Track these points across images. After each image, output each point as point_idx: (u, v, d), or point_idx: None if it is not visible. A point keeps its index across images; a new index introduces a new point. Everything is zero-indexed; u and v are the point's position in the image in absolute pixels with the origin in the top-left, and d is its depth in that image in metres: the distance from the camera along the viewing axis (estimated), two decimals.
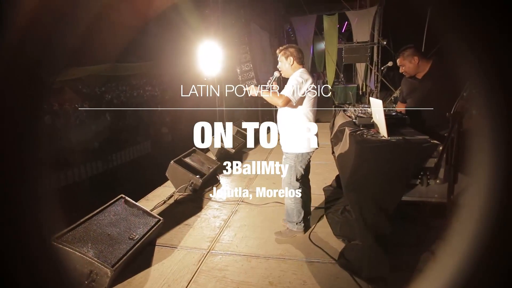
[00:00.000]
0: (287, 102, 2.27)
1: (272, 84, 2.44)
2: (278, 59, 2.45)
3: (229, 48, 7.28)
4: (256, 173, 4.24)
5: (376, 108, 1.98)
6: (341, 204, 3.06)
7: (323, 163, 4.41)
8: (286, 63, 2.41)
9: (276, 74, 2.49)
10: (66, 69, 10.12)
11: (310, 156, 2.51)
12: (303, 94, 2.30)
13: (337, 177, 3.61)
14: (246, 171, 4.17)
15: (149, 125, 8.97)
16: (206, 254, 2.43)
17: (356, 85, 12.56)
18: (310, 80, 2.33)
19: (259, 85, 2.49)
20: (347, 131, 2.18)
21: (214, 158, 4.51)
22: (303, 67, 2.43)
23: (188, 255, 2.42)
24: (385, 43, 8.00)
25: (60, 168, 5.92)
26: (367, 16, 9.59)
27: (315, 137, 2.42)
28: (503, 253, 0.69)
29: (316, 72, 15.01)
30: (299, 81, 2.28)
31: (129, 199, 2.68)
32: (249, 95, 2.49)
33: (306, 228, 2.64)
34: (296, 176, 2.49)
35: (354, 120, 2.33)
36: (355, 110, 2.63)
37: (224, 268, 2.23)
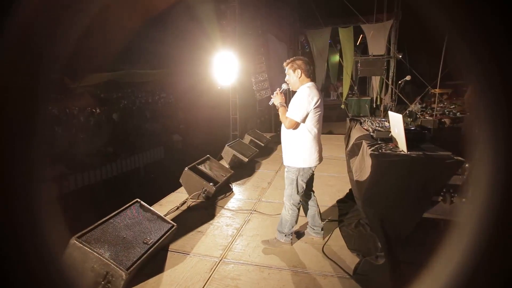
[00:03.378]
0: (293, 125, 2.29)
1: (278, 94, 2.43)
2: (286, 72, 2.41)
3: (245, 58, 7.39)
4: (268, 183, 4.26)
5: (395, 122, 1.97)
6: (355, 217, 3.01)
7: (337, 175, 4.37)
8: (293, 76, 2.36)
9: (284, 86, 2.48)
10: (87, 75, 10.48)
11: (313, 171, 2.47)
12: (308, 111, 2.25)
13: (351, 190, 3.57)
14: (259, 181, 4.19)
15: (163, 132, 9.12)
16: (219, 262, 2.42)
17: (370, 98, 12.47)
18: (317, 97, 2.26)
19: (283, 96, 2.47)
20: (365, 144, 2.17)
21: (227, 166, 4.54)
22: (311, 80, 2.37)
23: (201, 262, 2.43)
24: (400, 56, 7.95)
25: (78, 170, 6.06)
26: (383, 30, 9.60)
27: (318, 153, 2.38)
28: (503, 254, 0.68)
29: (331, 84, 15.00)
30: (304, 100, 2.24)
31: (144, 203, 2.72)
32: (270, 103, 2.51)
33: (294, 240, 2.63)
34: (297, 190, 2.45)
35: (371, 134, 2.32)
36: (372, 123, 2.61)
37: (237, 277, 2.22)
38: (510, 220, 0.69)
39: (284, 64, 2.41)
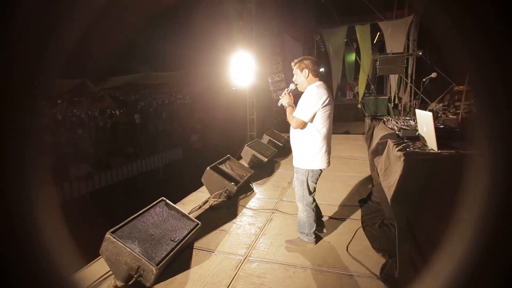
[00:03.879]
0: (300, 125, 2.26)
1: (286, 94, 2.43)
2: (294, 71, 2.38)
3: (261, 59, 7.41)
4: (288, 183, 4.26)
5: (424, 120, 1.94)
6: (378, 217, 2.98)
7: (357, 175, 4.33)
8: (301, 76, 2.33)
9: (292, 86, 2.45)
10: (108, 78, 10.80)
11: (321, 171, 2.45)
12: (316, 111, 2.21)
13: (372, 189, 3.53)
14: (279, 180, 4.21)
15: (181, 132, 9.27)
16: (243, 261, 2.45)
17: (387, 97, 12.22)
18: (325, 96, 2.22)
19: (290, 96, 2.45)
20: (390, 143, 2.14)
21: (246, 166, 4.57)
22: (319, 79, 2.34)
23: (226, 260, 2.46)
24: (420, 53, 7.76)
25: (101, 169, 6.27)
26: (402, 26, 9.38)
27: (327, 154, 2.35)
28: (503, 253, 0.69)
29: (347, 84, 14.83)
30: (312, 99, 2.21)
31: (169, 202, 2.79)
32: (279, 104, 2.49)
33: (318, 239, 2.63)
34: (309, 190, 2.45)
35: (397, 132, 2.29)
36: (396, 122, 2.57)
37: (262, 275, 2.25)
38: (510, 219, 0.70)
39: (292, 64, 2.39)
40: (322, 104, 2.20)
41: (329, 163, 2.40)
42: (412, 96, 9.50)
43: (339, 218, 3.12)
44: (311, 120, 2.24)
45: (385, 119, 2.92)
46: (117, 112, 12.07)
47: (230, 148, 7.97)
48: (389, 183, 1.93)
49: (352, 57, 14.55)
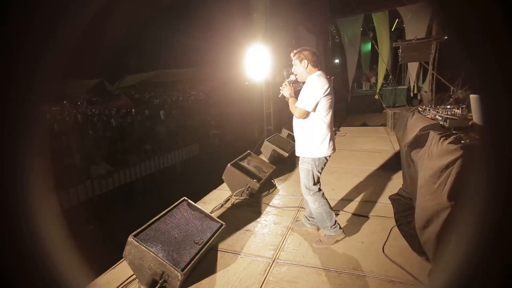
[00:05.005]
0: (303, 114, 2.28)
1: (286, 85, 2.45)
2: (293, 62, 2.39)
3: (277, 51, 7.20)
4: None
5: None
6: (413, 215, 2.76)
7: (383, 169, 4.10)
8: (300, 67, 2.34)
9: (292, 77, 2.47)
10: (124, 77, 10.87)
11: (327, 160, 2.42)
12: (318, 100, 2.22)
13: (403, 185, 3.31)
14: None
15: (197, 128, 9.21)
16: (272, 264, 2.31)
17: (406, 87, 11.74)
18: (326, 85, 2.22)
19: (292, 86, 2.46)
20: (435, 135, 1.93)
21: (267, 161, 4.42)
22: (319, 69, 2.33)
23: (253, 263, 2.33)
24: (446, 37, 7.30)
25: (120, 167, 6.27)
26: (423, 11, 8.90)
27: (332, 141, 2.36)
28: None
29: (363, 74, 14.38)
30: (315, 88, 2.22)
31: (191, 202, 2.67)
32: (279, 95, 2.51)
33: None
34: (314, 180, 2.41)
35: (442, 123, 2.06)
36: (437, 111, 2.34)
37: (293, 280, 2.09)
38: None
39: (291, 55, 2.39)
40: (324, 93, 2.22)
41: (334, 149, 2.39)
42: (434, 86, 9.07)
43: (369, 215, 2.93)
44: (314, 110, 2.26)
45: (420, 109, 2.68)
46: (133, 110, 12.16)
47: (247, 143, 7.84)
48: (437, 176, 1.72)
49: (367, 47, 14.08)
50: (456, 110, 2.15)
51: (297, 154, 2.49)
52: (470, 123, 1.81)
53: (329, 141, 2.34)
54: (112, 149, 7.15)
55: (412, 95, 11.15)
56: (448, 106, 2.48)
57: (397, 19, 11.35)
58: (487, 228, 0.78)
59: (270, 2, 7.15)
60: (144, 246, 2.03)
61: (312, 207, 2.48)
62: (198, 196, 3.78)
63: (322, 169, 2.43)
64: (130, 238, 2.05)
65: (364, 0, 9.83)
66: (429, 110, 2.51)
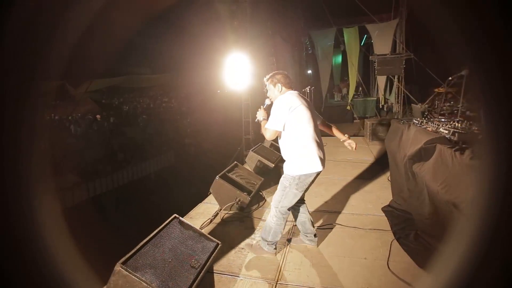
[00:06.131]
0: (273, 134, 2.27)
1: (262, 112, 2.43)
2: (267, 87, 2.39)
3: (257, 60, 7.15)
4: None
5: None
6: (409, 228, 2.75)
7: (370, 180, 4.13)
8: (275, 90, 2.33)
9: (267, 101, 2.47)
10: (90, 81, 10.16)
11: (312, 180, 2.31)
12: (285, 118, 2.19)
13: (397, 197, 3.31)
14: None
15: (172, 136, 8.81)
16: (275, 286, 2.14)
17: (375, 99, 12.32)
18: (293, 102, 2.19)
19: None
20: (444, 149, 1.90)
21: (253, 173, 4.26)
22: (291, 89, 2.34)
23: (255, 287, 2.14)
24: (412, 56, 7.76)
25: (88, 178, 5.74)
26: (388, 29, 9.46)
27: (316, 158, 2.22)
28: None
29: (335, 86, 14.85)
30: (279, 108, 2.20)
31: (183, 219, 2.42)
32: (256, 121, 2.48)
33: (281, 249, 2.56)
34: (288, 197, 2.31)
35: (449, 136, 2.05)
36: (438, 124, 2.35)
37: None
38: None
39: (264, 79, 2.39)
40: (290, 110, 2.18)
41: (320, 166, 2.24)
42: (400, 97, 9.57)
43: (366, 228, 2.87)
44: (283, 128, 2.22)
45: (415, 121, 2.69)
46: (99, 116, 11.41)
47: (225, 153, 7.60)
48: (458, 195, 1.68)
49: (339, 59, 14.62)
50: (457, 124, 2.17)
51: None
52: (479, 137, 1.81)
53: (310, 158, 2.22)
54: (81, 158, 6.56)
55: (381, 107, 11.71)
56: (443, 119, 2.52)
57: (365, 35, 11.93)
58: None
59: (251, 10, 7.11)
60: (134, 276, 1.76)
61: (269, 219, 2.42)
62: (179, 209, 3.50)
63: (303, 188, 2.29)
64: (118, 267, 1.77)
65: (334, 15, 10.22)
66: (426, 122, 2.53)
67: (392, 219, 3.00)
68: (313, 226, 2.60)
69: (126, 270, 1.76)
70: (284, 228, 2.44)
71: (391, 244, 2.56)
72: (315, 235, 2.58)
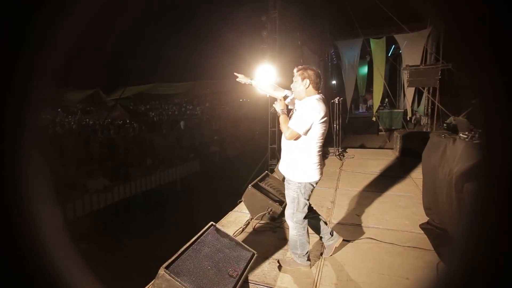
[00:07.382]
0: (294, 136, 2.13)
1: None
2: (294, 78, 2.22)
3: (285, 70, 7.19)
4: (331, 202, 3.90)
5: None
6: (455, 250, 2.61)
7: (407, 195, 3.98)
8: (301, 85, 2.16)
9: (288, 93, 2.36)
10: (123, 88, 10.62)
11: (313, 187, 2.29)
12: (312, 125, 2.09)
13: (436, 215, 3.16)
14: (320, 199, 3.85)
15: (198, 144, 8.97)
16: None
17: (402, 111, 11.97)
18: (323, 112, 2.09)
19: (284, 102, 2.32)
20: None
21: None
22: (319, 93, 2.20)
23: None
24: (450, 66, 7.51)
25: (117, 182, 5.93)
26: (419, 39, 9.19)
27: (320, 167, 2.22)
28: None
29: (360, 97, 14.61)
30: (311, 112, 2.08)
31: (220, 227, 2.43)
32: (272, 110, 2.45)
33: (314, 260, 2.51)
34: (299, 207, 2.28)
35: None
36: None
37: None
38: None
39: (295, 69, 2.22)
40: (320, 119, 2.09)
41: (321, 174, 2.25)
42: (430, 110, 9.23)
43: (404, 245, 2.75)
44: (306, 133, 2.12)
45: (461, 135, 2.58)
46: (127, 121, 11.84)
47: (250, 161, 7.61)
48: None
49: (364, 69, 14.40)
50: None
51: (281, 170, 2.38)
52: None
53: (317, 166, 2.20)
54: (111, 163, 6.81)
55: (408, 119, 11.37)
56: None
57: (393, 45, 11.70)
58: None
59: (279, 21, 7.19)
60: (177, 281, 1.78)
61: (291, 233, 2.41)
62: (208, 215, 3.53)
63: (309, 196, 2.29)
64: (162, 271, 1.80)
65: (360, 26, 10.10)
66: (473, 136, 2.41)
67: (434, 238, 2.85)
68: (327, 224, 2.61)
69: (169, 275, 1.78)
70: (308, 236, 2.40)
71: (437, 266, 2.43)
72: (331, 233, 2.58)
